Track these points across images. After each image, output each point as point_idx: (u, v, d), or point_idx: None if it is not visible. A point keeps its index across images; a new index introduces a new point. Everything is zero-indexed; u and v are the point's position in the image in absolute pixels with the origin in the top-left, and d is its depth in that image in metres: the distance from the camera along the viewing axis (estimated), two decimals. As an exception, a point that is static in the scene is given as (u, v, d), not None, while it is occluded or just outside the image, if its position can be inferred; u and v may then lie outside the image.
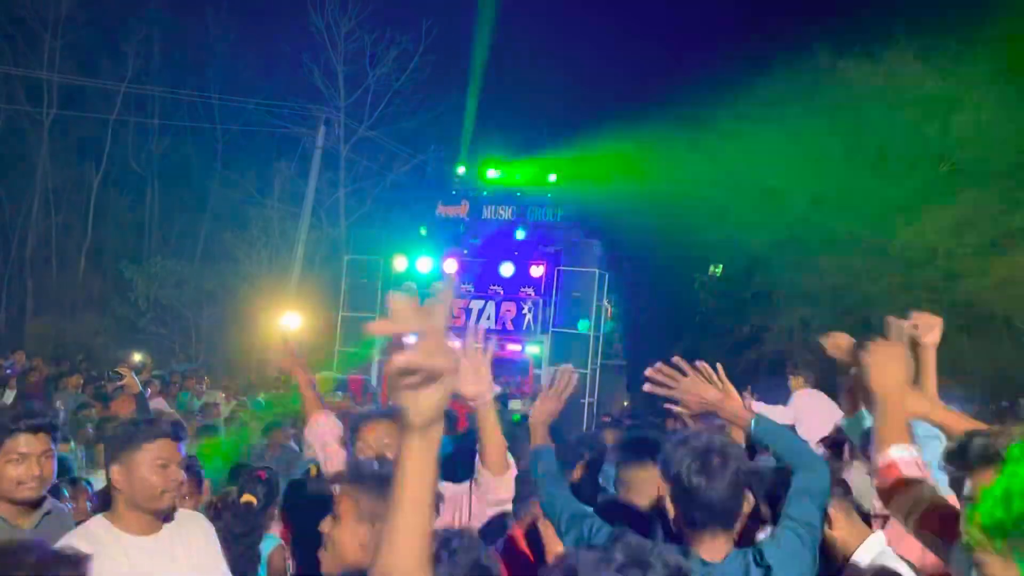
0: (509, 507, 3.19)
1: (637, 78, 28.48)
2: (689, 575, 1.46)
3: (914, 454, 2.01)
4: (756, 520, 2.54)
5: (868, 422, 2.57)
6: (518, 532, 3.05)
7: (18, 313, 24.87)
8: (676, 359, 2.57)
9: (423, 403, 1.20)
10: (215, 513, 3.54)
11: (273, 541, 3.75)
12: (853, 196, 20.83)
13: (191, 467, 3.55)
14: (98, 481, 4.29)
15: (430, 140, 25.38)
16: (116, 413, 6.64)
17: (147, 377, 10.36)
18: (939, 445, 2.77)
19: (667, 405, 2.61)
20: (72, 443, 6.05)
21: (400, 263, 15.54)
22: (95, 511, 3.22)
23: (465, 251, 15.83)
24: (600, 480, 3.87)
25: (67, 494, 3.94)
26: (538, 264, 15.06)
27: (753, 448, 3.52)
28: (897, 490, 1.97)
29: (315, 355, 17.29)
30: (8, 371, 11.38)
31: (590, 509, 2.54)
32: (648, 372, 2.55)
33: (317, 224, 23.89)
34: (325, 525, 2.05)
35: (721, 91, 22.60)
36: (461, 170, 17.31)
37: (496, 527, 2.93)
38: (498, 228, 16.23)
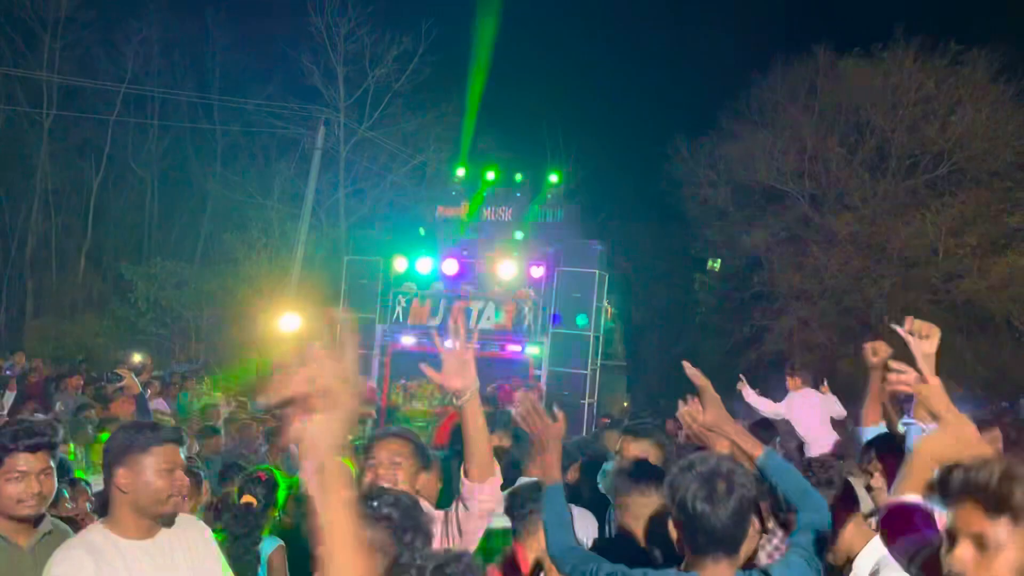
0: (500, 518, 3.17)
1: (637, 78, 28.50)
2: None
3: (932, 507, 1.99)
4: (760, 531, 2.57)
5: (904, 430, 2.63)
6: (518, 549, 3.04)
7: (18, 314, 24.88)
8: (686, 366, 2.63)
9: (315, 434, 1.15)
10: (215, 514, 3.53)
11: (273, 542, 3.74)
12: (853, 196, 20.84)
13: (190, 468, 3.54)
14: (97, 483, 4.29)
15: (430, 141, 25.39)
16: (116, 414, 6.64)
17: (147, 378, 10.34)
18: None
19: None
20: (72, 444, 6.05)
21: (400, 264, 15.53)
22: (95, 511, 3.22)
23: (465, 252, 15.83)
24: (600, 485, 3.85)
25: (67, 495, 3.95)
26: (538, 265, 15.05)
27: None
28: (902, 529, 1.93)
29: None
30: (8, 372, 11.38)
31: (593, 554, 2.51)
32: (680, 414, 2.66)
33: (317, 225, 23.88)
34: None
35: (722, 91, 22.58)
36: (460, 172, 17.30)
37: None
38: (498, 229, 16.22)
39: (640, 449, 3.27)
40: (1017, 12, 19.46)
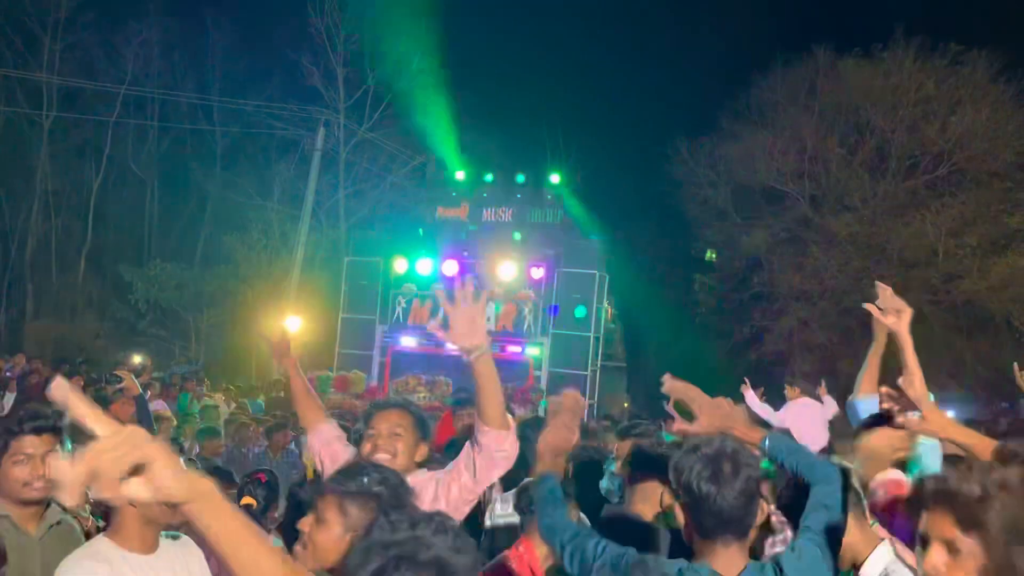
0: (509, 515, 3.16)
1: (637, 78, 28.50)
2: None
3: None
4: (765, 530, 2.51)
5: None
6: (525, 542, 3.02)
7: (18, 316, 24.88)
8: (666, 376, 2.57)
9: (137, 494, 1.16)
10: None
11: (273, 544, 3.74)
12: (853, 197, 20.84)
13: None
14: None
15: (430, 142, 25.39)
16: (116, 416, 6.63)
17: (147, 380, 10.35)
18: (939, 455, 2.77)
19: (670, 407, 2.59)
20: (71, 446, 6.04)
21: (400, 265, 15.53)
22: (94, 514, 3.21)
23: (465, 253, 15.83)
24: (602, 488, 3.84)
25: (59, 508, 3.94)
26: (538, 266, 15.05)
27: None
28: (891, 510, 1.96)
29: (316, 357, 17.32)
30: (8, 374, 11.37)
31: (591, 529, 2.48)
32: (667, 381, 2.54)
33: (317, 226, 23.88)
34: (305, 524, 2.01)
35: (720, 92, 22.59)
36: (460, 175, 17.29)
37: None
38: (498, 230, 16.22)
39: None
40: (1017, 12, 19.47)
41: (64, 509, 2.79)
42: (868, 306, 2.42)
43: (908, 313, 2.47)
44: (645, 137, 25.75)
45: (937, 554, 1.50)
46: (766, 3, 26.51)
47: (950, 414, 3.22)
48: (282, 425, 7.40)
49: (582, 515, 3.48)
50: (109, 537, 2.47)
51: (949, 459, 2.62)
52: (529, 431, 3.73)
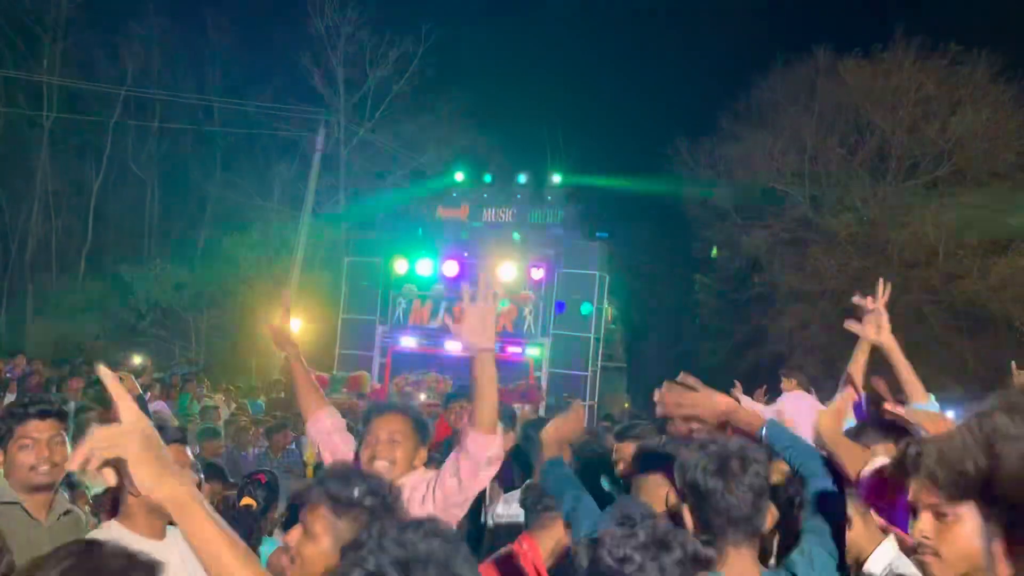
0: (515, 515, 3.15)
1: (638, 78, 28.51)
2: (708, 562, 1.46)
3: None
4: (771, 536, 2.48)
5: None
6: (528, 540, 3.02)
7: (18, 316, 24.86)
8: (683, 375, 2.49)
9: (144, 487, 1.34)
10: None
11: (273, 544, 3.74)
12: (853, 197, 20.84)
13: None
14: (95, 485, 4.28)
15: (430, 143, 25.39)
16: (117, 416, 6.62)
17: (147, 380, 10.34)
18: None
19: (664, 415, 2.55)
20: (71, 446, 6.04)
21: (400, 265, 15.53)
22: (94, 513, 3.21)
23: (465, 253, 15.83)
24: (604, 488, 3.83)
25: (67, 497, 3.94)
26: (538, 266, 15.05)
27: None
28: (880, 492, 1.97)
29: (316, 357, 17.32)
30: (8, 374, 11.37)
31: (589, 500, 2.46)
32: (657, 397, 2.46)
33: (317, 227, 23.88)
34: (292, 537, 1.95)
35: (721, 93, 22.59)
36: (460, 176, 17.27)
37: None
38: (498, 230, 16.21)
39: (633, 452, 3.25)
40: (1017, 13, 19.45)
41: (71, 501, 2.81)
42: (857, 300, 2.42)
43: (887, 328, 2.48)
44: (645, 137, 25.80)
45: (925, 520, 1.54)
46: (766, 3, 26.54)
47: (950, 414, 3.23)
48: (282, 426, 7.42)
49: None
50: (119, 521, 2.49)
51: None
52: (531, 431, 3.73)
